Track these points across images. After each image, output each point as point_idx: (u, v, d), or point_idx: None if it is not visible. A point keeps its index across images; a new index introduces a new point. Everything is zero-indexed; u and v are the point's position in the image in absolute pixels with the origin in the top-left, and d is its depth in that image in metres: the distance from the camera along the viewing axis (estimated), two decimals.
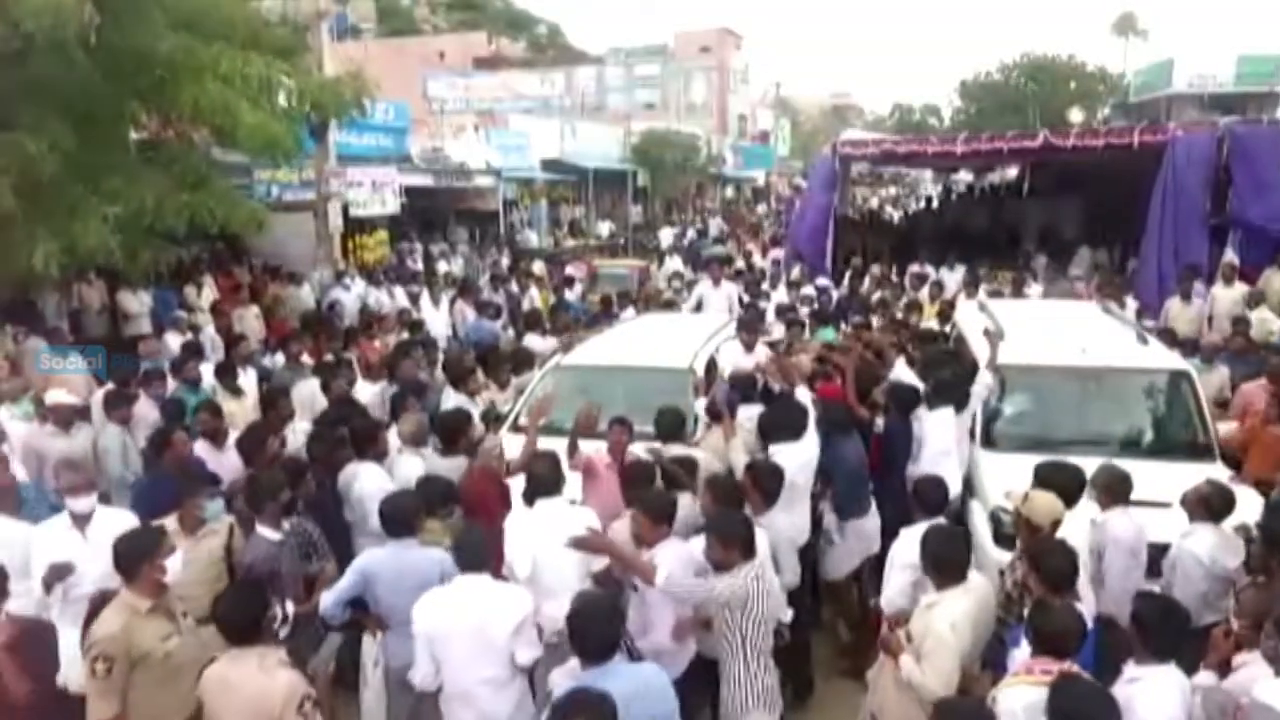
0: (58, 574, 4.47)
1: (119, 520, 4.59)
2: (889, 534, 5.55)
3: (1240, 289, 11.31)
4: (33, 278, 7.59)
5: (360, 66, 10.00)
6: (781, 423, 5.41)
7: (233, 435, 6.11)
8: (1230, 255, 12.73)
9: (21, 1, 5.76)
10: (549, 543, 4.32)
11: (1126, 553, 4.53)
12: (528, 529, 4.54)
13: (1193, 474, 5.43)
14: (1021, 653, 3.61)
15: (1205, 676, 3.45)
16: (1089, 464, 4.87)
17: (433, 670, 3.77)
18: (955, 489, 5.61)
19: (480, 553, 3.94)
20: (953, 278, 13.54)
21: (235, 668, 3.41)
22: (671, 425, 5.69)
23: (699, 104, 45.79)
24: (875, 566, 5.52)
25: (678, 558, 4.07)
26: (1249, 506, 5.07)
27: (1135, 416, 6.76)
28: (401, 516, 4.30)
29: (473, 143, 23.91)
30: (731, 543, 3.86)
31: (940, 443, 6.08)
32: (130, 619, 3.65)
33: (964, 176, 30.88)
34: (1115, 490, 4.69)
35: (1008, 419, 6.84)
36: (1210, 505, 4.54)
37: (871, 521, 5.78)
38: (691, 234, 29.00)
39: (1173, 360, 6.97)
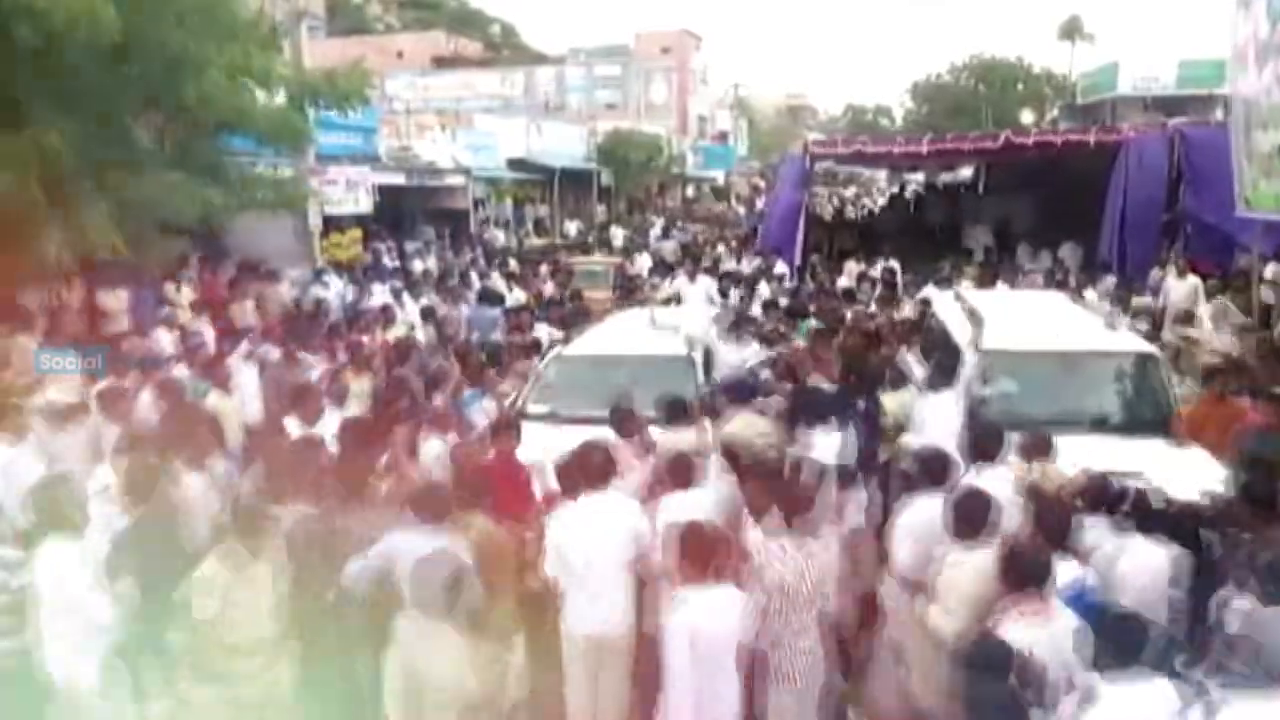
0: None
1: None
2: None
3: (1193, 281, 11.91)
4: (46, 271, 7.59)
5: (360, 59, 10.08)
6: (816, 408, 5.82)
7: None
8: (1179, 250, 13.43)
9: (53, 7, 5.80)
10: (595, 537, 4.45)
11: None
12: (573, 523, 4.59)
13: (1157, 447, 6.09)
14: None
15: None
16: (1064, 441, 5.33)
17: None
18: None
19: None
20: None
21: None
22: (674, 412, 5.91)
23: (659, 104, 46.14)
24: None
25: None
26: (1210, 472, 5.53)
27: (1106, 396, 7.19)
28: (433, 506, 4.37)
29: (441, 142, 23.97)
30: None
31: (942, 424, 6.41)
32: None
33: (918, 177, 31.76)
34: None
35: (988, 400, 7.21)
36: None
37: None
38: (656, 232, 29.33)
39: (1140, 344, 7.45)
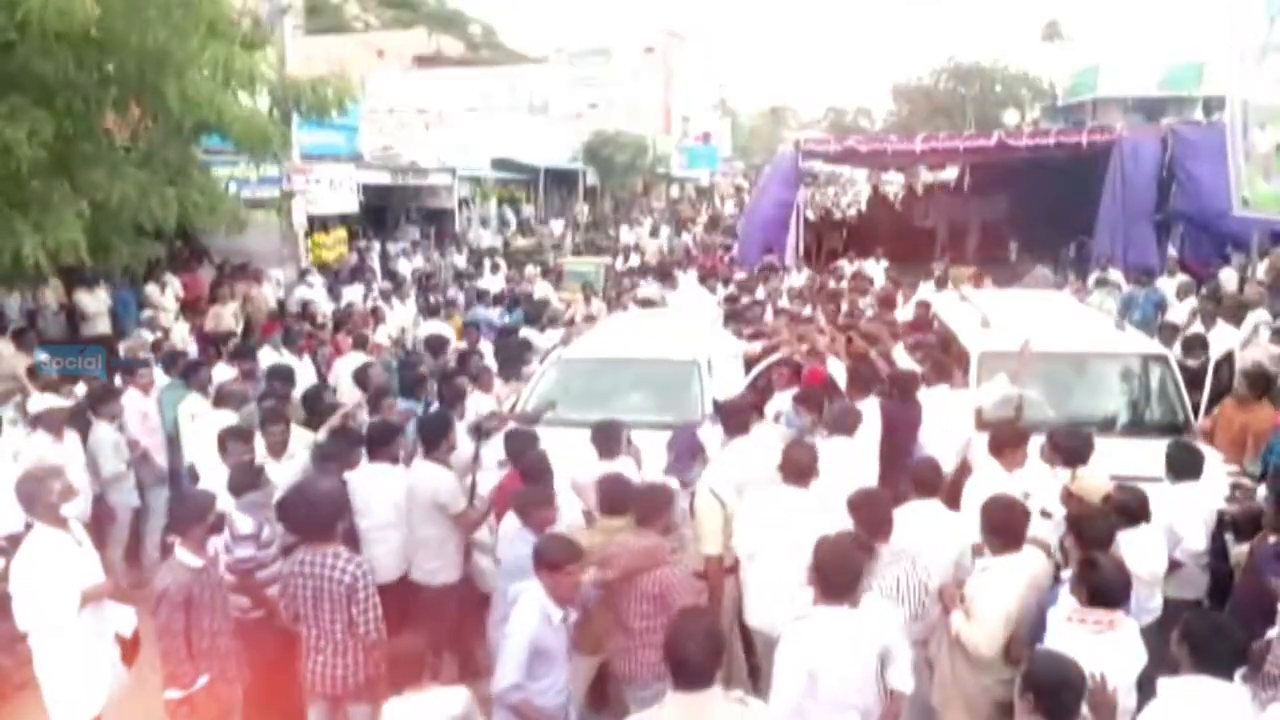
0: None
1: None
2: None
3: (1181, 278, 11.87)
4: (16, 274, 7.29)
5: (343, 64, 9.79)
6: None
7: None
8: (1171, 250, 13.45)
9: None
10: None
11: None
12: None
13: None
14: (1060, 610, 3.83)
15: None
16: None
17: None
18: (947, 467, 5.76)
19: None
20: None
21: None
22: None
23: (643, 104, 45.89)
24: None
25: None
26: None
27: (1117, 397, 7.10)
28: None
29: (425, 140, 23.65)
30: None
31: (937, 421, 6.28)
32: None
33: (897, 177, 31.80)
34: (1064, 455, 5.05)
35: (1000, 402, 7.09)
36: (1130, 510, 4.44)
37: None
38: (644, 231, 29.06)
39: (1151, 345, 7.37)
